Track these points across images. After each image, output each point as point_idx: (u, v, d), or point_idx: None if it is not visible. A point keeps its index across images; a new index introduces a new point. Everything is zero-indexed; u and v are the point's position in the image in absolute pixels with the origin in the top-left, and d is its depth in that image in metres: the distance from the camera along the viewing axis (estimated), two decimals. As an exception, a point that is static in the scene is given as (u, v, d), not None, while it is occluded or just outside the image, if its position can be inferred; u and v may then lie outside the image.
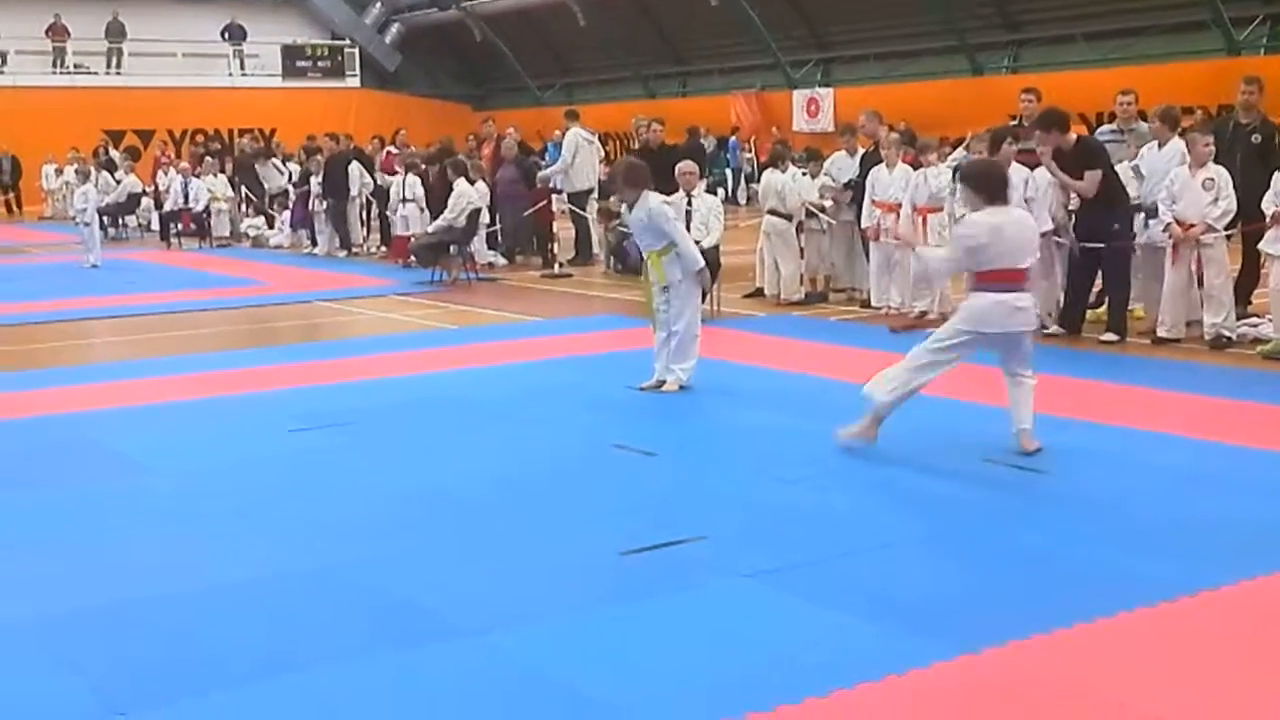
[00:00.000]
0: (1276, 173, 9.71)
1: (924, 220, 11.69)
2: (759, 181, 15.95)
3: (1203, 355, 9.76)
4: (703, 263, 8.83)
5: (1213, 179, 9.90)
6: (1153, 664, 4.23)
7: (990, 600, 4.83)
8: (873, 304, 12.52)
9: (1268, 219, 9.64)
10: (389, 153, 20.21)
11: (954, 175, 10.86)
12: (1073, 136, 10.63)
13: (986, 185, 6.86)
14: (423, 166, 18.13)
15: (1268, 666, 4.21)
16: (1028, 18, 27.66)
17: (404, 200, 18.19)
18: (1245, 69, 16.36)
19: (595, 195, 17.63)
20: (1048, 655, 4.31)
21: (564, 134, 17.74)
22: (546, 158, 18.72)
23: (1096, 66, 23.43)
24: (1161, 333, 10.24)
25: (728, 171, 31.10)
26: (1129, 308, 10.70)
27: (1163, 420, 7.61)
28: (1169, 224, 10.12)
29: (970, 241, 6.76)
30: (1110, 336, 10.38)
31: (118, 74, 36.60)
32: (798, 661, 4.29)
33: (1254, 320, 10.34)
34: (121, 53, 36.77)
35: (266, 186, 23.12)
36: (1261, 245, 9.82)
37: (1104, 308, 10.83)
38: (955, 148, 16.90)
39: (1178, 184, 10.08)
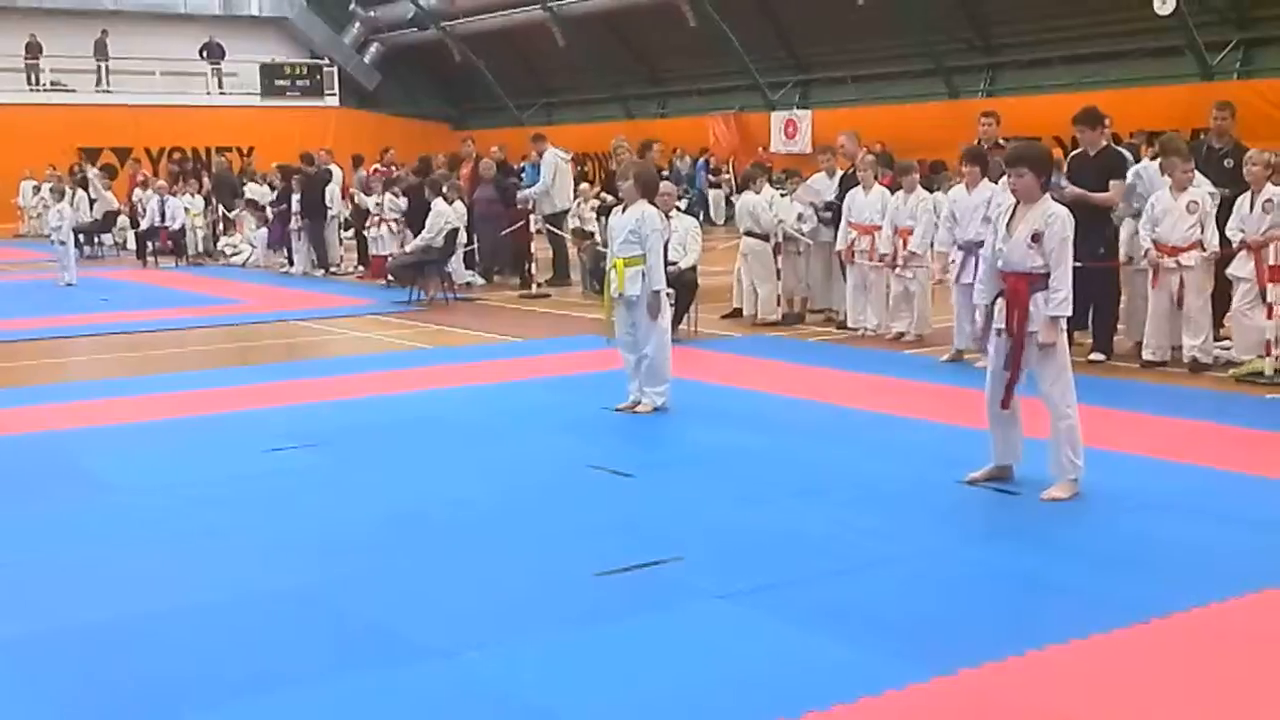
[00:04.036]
0: (1239, 198, 9.82)
1: (904, 242, 11.73)
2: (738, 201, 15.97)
3: (1181, 379, 9.82)
4: (663, 286, 8.80)
5: (1197, 202, 9.97)
6: (1126, 685, 4.23)
7: (965, 621, 4.83)
8: (849, 325, 12.55)
9: (1234, 244, 9.75)
10: (375, 169, 20.21)
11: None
12: (1103, 142, 10.68)
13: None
14: (412, 182, 18.06)
15: (1239, 688, 4.23)
16: (1004, 42, 27.88)
17: (381, 220, 18.19)
18: (1219, 94, 16.55)
19: (573, 215, 17.68)
20: (1022, 676, 4.31)
21: (540, 156, 17.79)
22: (524, 178, 18.73)
23: (1071, 90, 23.59)
24: (1147, 355, 10.30)
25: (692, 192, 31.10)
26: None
27: (1137, 443, 7.64)
28: (1148, 248, 10.19)
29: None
30: (1097, 356, 10.45)
31: (105, 92, 36.53)
32: (772, 683, 4.28)
33: (1226, 343, 10.41)
34: (108, 70, 36.72)
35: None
36: (1229, 270, 9.91)
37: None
38: (933, 170, 16.98)
39: (1159, 207, 10.15)
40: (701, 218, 29.08)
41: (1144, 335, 10.47)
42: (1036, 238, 6.34)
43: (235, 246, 22.89)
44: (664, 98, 36.29)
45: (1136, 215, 10.69)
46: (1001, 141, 11.77)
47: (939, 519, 6.20)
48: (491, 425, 8.60)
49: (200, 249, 23.21)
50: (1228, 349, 10.26)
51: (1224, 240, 9.93)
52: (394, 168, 20.14)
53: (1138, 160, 11.79)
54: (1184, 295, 10.04)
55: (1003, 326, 6.50)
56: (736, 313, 13.70)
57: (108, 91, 36.66)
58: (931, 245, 11.36)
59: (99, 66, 36.61)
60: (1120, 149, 11.46)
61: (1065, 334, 6.57)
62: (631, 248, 8.66)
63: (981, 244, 9.84)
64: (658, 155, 15.86)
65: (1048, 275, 6.34)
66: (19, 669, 4.57)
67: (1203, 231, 9.95)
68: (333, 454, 7.81)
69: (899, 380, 9.92)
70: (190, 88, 37.94)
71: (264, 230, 21.98)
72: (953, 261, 10.63)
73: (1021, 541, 5.84)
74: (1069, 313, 6.41)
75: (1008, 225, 6.49)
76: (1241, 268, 9.79)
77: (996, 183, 10.88)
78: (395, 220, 17.98)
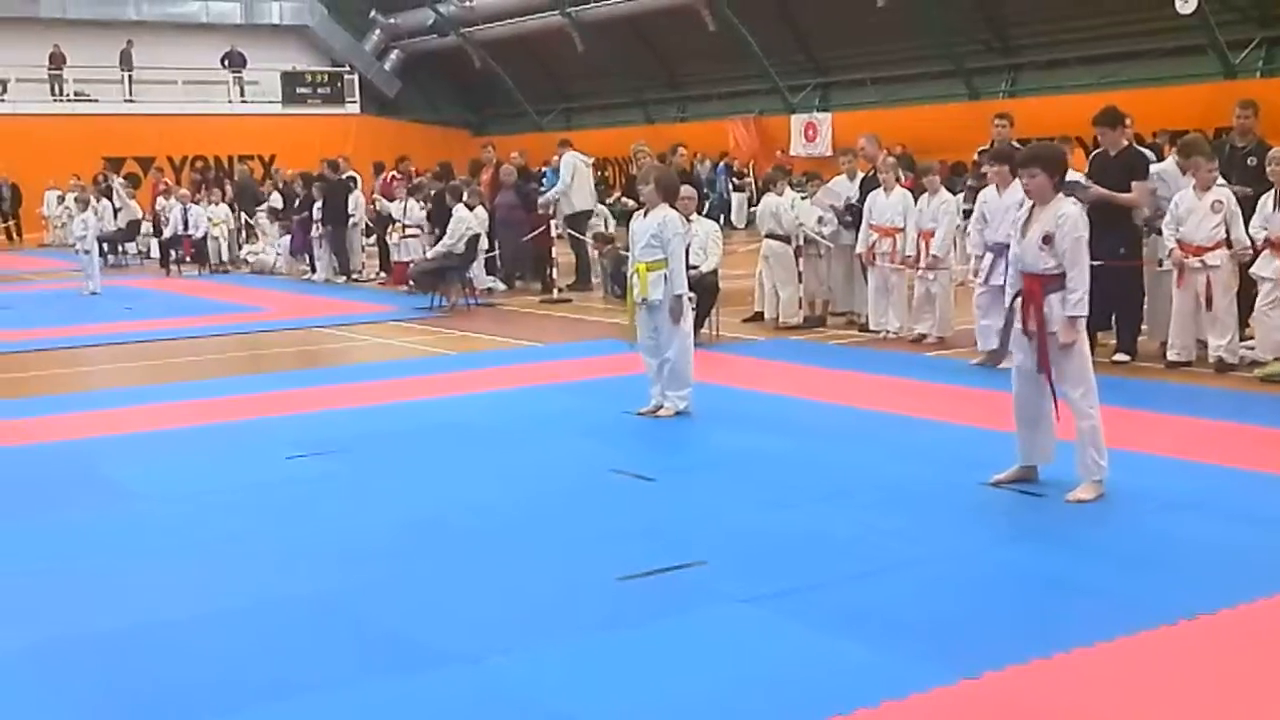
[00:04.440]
0: (1262, 197, 9.75)
1: (926, 244, 11.70)
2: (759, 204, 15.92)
3: (1207, 379, 9.75)
4: (685, 290, 8.77)
5: (1221, 201, 9.92)
6: (1152, 688, 4.21)
7: (989, 624, 4.81)
8: (871, 328, 12.52)
9: (1257, 243, 9.70)
10: (392, 177, 20.27)
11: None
12: (1124, 142, 10.63)
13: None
14: (431, 192, 18.11)
15: (1266, 691, 4.19)
16: (1024, 42, 27.79)
17: (406, 226, 18.24)
18: (1242, 92, 16.45)
19: (593, 218, 17.69)
20: (1048, 679, 4.28)
21: (560, 159, 17.84)
22: (544, 183, 18.78)
23: (1093, 90, 23.49)
24: (1171, 356, 10.24)
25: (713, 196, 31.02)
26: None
27: (1162, 444, 7.60)
28: (1172, 248, 10.14)
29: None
30: (1121, 357, 10.40)
31: (129, 101, 36.81)
32: (797, 687, 4.27)
33: (1252, 343, 10.35)
34: (132, 80, 36.99)
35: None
36: (1253, 270, 9.85)
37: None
38: (954, 171, 16.94)
39: (1182, 206, 10.10)
40: (722, 221, 29.06)
41: (1168, 336, 10.40)
42: (1048, 239, 6.35)
43: (258, 253, 23.00)
44: (683, 102, 36.28)
45: (1156, 216, 10.60)
46: (1015, 144, 11.71)
47: (963, 521, 6.18)
48: (513, 430, 8.61)
49: (224, 257, 23.30)
50: (1253, 349, 10.20)
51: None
52: (411, 176, 20.18)
53: (1161, 159, 11.72)
54: (1210, 295, 9.97)
55: (1022, 326, 6.51)
56: (758, 316, 13.68)
57: (132, 101, 36.89)
58: (955, 246, 11.32)
59: (124, 77, 36.85)
60: (1142, 149, 11.41)
61: (1085, 334, 6.54)
62: (653, 252, 8.66)
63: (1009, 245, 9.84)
64: (682, 159, 15.75)
65: (1063, 275, 6.34)
66: (42, 675, 4.59)
67: (1229, 231, 9.90)
68: (354, 460, 7.82)
69: (922, 383, 9.89)
70: (212, 96, 38.15)
71: (286, 237, 22.09)
72: (978, 258, 10.59)
73: (1046, 543, 5.81)
74: (1085, 313, 6.39)
75: (1023, 227, 6.50)
76: (1265, 267, 9.73)
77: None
78: (417, 227, 18.02)
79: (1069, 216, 6.37)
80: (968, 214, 11.34)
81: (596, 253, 17.16)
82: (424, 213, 17.97)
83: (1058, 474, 6.60)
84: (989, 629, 4.75)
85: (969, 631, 4.72)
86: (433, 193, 17.99)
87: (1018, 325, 6.55)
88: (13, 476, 7.66)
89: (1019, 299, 6.54)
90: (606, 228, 17.80)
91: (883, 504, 6.49)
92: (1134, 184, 10.29)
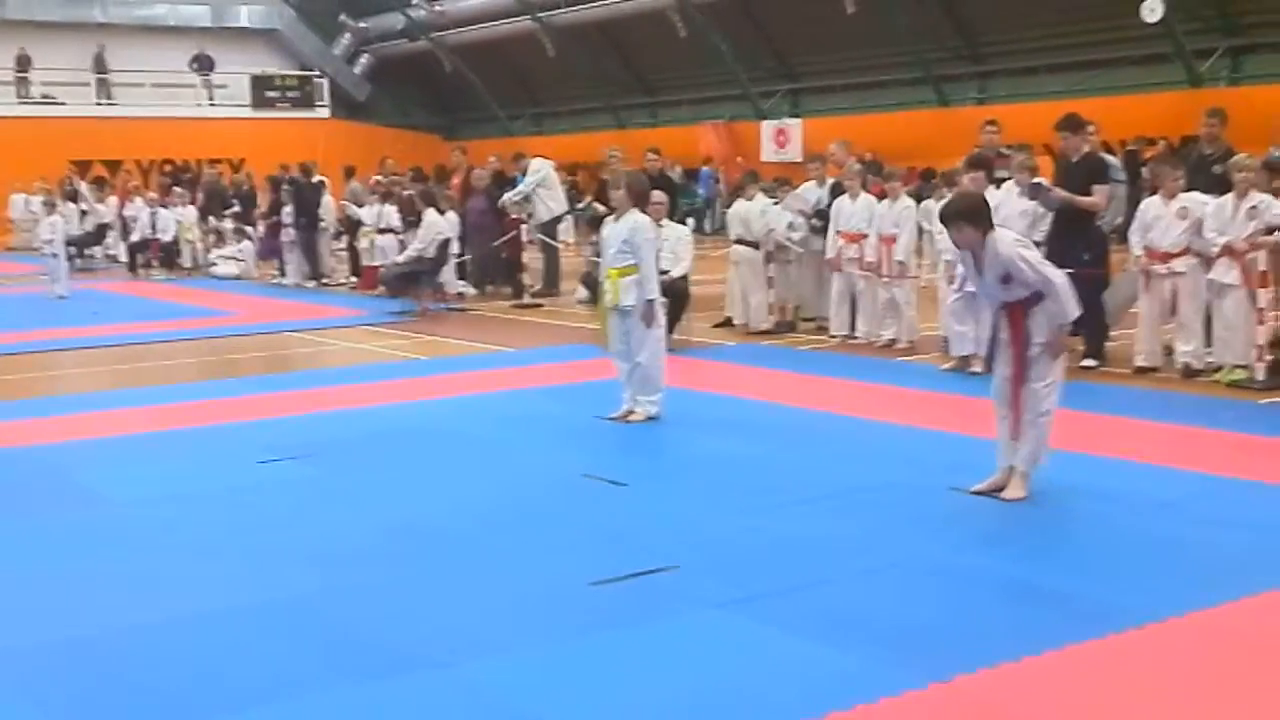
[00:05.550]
0: (1220, 202, 9.82)
1: (888, 249, 11.77)
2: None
3: (1174, 384, 9.83)
4: (657, 295, 8.77)
5: (1188, 208, 10.02)
6: (1122, 690, 4.24)
7: (962, 628, 4.84)
8: (831, 332, 12.57)
9: (1216, 248, 9.79)
10: (376, 181, 20.20)
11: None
12: (1085, 148, 10.74)
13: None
14: (407, 194, 18.04)
15: (1234, 692, 4.24)
16: (993, 50, 27.96)
17: (380, 230, 18.17)
18: (1207, 100, 16.57)
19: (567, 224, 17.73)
20: (1020, 682, 4.32)
21: (527, 166, 17.90)
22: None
23: (1061, 98, 23.65)
24: (1139, 361, 10.33)
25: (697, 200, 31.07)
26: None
27: (1130, 449, 7.66)
28: (1139, 255, 10.23)
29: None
30: (1089, 363, 10.48)
31: (96, 104, 36.55)
32: (768, 691, 4.29)
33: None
34: (101, 84, 36.75)
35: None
36: (1211, 275, 9.94)
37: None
38: (923, 177, 17.00)
39: (1150, 213, 10.20)
40: (691, 225, 29.05)
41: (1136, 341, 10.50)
42: (1006, 279, 6.46)
43: (225, 258, 22.87)
44: (654, 107, 36.32)
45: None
46: (1004, 149, 11.83)
47: (935, 525, 6.20)
48: (485, 435, 8.60)
49: (194, 262, 23.17)
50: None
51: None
52: (394, 176, 20.11)
53: (1138, 166, 11.85)
54: (1176, 301, 10.07)
55: (1007, 337, 6.59)
56: (728, 321, 13.71)
57: (99, 104, 36.64)
58: (920, 254, 11.39)
59: (99, 81, 36.59)
60: (1103, 155, 11.53)
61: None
62: (625, 258, 8.67)
63: None
64: (652, 164, 15.58)
65: (1038, 295, 6.45)
66: (16, 681, 4.56)
67: (1198, 236, 9.98)
68: (326, 465, 7.80)
69: (891, 387, 9.93)
70: (181, 100, 37.92)
71: (247, 243, 21.98)
72: (950, 263, 10.64)
73: (1015, 547, 5.85)
74: (1072, 317, 6.52)
75: (975, 266, 6.57)
76: (1225, 273, 9.79)
77: (999, 188, 10.82)
78: (391, 231, 17.95)
79: (1012, 258, 6.40)
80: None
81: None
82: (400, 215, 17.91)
83: (1033, 481, 6.66)
84: (960, 633, 4.77)
85: (940, 635, 4.75)
86: (406, 195, 17.93)
87: (1003, 336, 6.62)
88: (-20, 481, 7.59)
89: (1002, 311, 6.62)
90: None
91: (854, 508, 6.52)
92: (1094, 187, 10.40)
